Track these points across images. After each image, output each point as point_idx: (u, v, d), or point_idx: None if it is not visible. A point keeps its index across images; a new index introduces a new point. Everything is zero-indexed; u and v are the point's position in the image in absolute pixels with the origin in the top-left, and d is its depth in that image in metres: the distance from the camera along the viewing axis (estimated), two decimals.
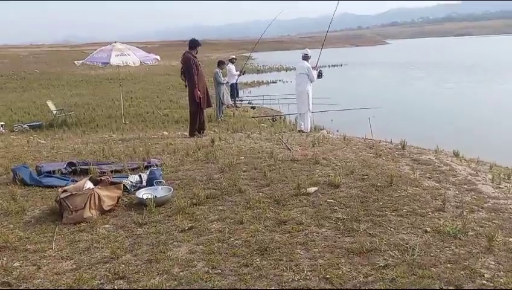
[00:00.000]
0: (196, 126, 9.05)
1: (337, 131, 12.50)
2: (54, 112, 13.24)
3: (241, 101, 18.65)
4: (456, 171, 5.59)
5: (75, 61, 13.45)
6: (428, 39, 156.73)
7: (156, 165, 6.01)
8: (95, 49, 13.74)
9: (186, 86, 9.14)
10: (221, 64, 14.10)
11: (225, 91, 13.55)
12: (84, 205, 4.19)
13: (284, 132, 10.25)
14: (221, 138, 8.02)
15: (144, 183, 5.15)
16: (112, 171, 5.81)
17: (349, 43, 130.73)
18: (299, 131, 10.17)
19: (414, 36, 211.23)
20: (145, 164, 6.10)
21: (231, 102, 15.32)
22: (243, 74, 17.95)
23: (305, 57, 10.58)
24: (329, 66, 38.87)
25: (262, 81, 30.61)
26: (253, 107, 16.71)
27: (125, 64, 12.47)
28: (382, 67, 41.10)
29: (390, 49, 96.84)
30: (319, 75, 10.79)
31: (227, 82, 14.35)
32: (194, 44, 8.92)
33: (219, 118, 13.18)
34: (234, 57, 17.60)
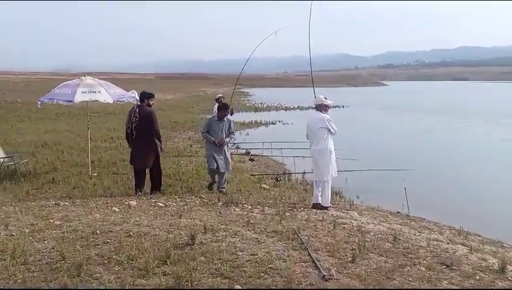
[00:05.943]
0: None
1: (358, 198, 9.99)
2: (1, 161, 10.48)
3: (237, 148, 15.98)
4: None
5: (38, 101, 10.59)
6: (427, 82, 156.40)
7: None
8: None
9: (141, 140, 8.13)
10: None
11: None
12: None
13: (294, 203, 7.66)
14: (206, 227, 5.33)
15: None
16: None
17: (346, 83, 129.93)
18: (314, 206, 7.43)
19: (411, 79, 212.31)
20: None
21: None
22: (231, 114, 13.14)
23: (319, 107, 7.64)
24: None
25: (261, 122, 28.07)
26: (251, 159, 13.89)
27: (93, 99, 9.92)
28: (390, 111, 38.57)
29: (389, 90, 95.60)
30: None
31: None
32: (150, 95, 8.36)
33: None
34: (221, 95, 13.80)
